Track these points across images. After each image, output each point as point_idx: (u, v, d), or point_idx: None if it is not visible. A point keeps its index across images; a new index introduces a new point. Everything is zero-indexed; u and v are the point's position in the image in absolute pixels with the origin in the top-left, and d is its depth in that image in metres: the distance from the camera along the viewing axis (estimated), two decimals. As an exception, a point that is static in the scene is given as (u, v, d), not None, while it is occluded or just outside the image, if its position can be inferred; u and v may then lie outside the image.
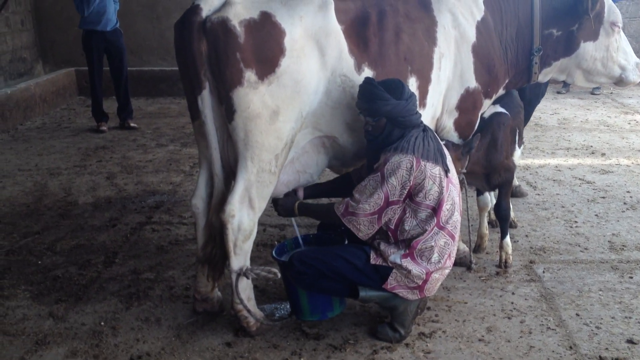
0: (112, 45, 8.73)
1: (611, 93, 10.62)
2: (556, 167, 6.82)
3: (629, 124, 8.69)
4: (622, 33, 4.49)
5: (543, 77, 4.50)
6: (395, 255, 3.50)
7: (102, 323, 3.92)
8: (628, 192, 5.98)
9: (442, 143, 3.68)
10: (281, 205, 3.86)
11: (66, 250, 4.99)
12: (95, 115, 8.94)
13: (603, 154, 7.23)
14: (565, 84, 10.52)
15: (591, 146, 7.57)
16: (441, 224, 3.51)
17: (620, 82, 4.55)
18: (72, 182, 6.67)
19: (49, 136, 8.63)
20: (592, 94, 10.53)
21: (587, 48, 4.36)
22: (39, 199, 6.17)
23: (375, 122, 3.52)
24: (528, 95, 5.48)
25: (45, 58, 11.32)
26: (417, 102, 3.59)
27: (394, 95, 3.46)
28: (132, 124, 8.99)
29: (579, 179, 6.39)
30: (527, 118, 5.63)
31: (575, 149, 7.50)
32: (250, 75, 3.36)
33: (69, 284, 4.43)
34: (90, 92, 9.04)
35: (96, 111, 8.91)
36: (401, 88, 3.50)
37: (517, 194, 5.83)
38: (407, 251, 3.50)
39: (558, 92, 10.70)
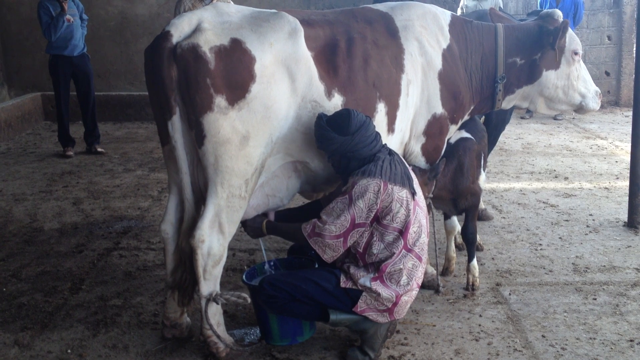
0: (79, 70, 8.70)
1: (573, 118, 10.88)
2: (521, 190, 6.95)
3: (591, 148, 8.91)
4: (582, 62, 4.64)
5: (507, 104, 4.61)
6: (365, 279, 3.53)
7: (69, 351, 3.86)
8: (591, 215, 6.12)
9: (409, 167, 3.75)
10: (249, 225, 3.88)
11: (32, 277, 4.91)
12: (61, 140, 8.86)
13: (566, 178, 7.39)
14: (529, 110, 10.76)
15: (554, 170, 7.74)
16: (409, 247, 3.56)
17: (580, 109, 4.68)
18: (37, 207, 6.58)
19: (14, 161, 8.52)
20: (555, 119, 10.78)
21: (549, 76, 4.49)
22: (3, 225, 6.07)
23: (330, 157, 3.63)
24: (494, 121, 5.60)
25: (11, 82, 11.20)
26: (372, 131, 3.60)
27: (341, 131, 3.51)
28: (99, 149, 8.92)
29: (543, 202, 6.52)
30: (493, 143, 5.74)
31: (539, 173, 7.65)
32: (220, 100, 3.39)
33: (34, 311, 4.36)
34: (56, 117, 8.97)
35: (62, 136, 8.83)
36: (347, 123, 3.53)
37: (483, 217, 5.92)
38: (377, 274, 3.53)
39: (522, 118, 10.93)
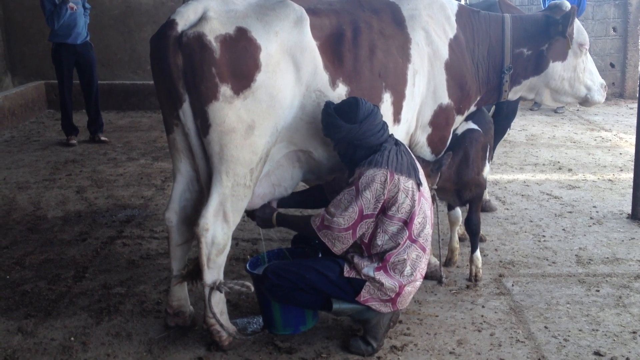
0: (82, 59, 8.69)
1: (577, 110, 10.85)
2: (524, 182, 6.94)
3: (595, 140, 8.89)
4: (588, 54, 4.61)
5: (513, 95, 4.59)
6: (368, 268, 3.53)
7: (72, 338, 3.87)
8: (594, 207, 6.11)
9: (414, 157, 3.74)
10: (259, 216, 3.87)
11: (35, 265, 4.92)
12: (64, 129, 8.86)
13: (570, 170, 7.38)
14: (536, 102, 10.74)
15: (558, 162, 7.72)
16: (413, 237, 3.56)
17: (585, 102, 4.67)
18: (41, 196, 6.58)
19: (18, 150, 8.53)
20: (555, 112, 10.74)
21: (556, 68, 4.47)
22: (7, 213, 6.08)
23: (337, 145, 3.61)
24: (505, 111, 5.55)
25: (15, 71, 11.19)
26: (379, 120, 3.58)
27: (348, 119, 3.49)
28: (102, 138, 8.93)
29: (547, 194, 6.51)
30: (502, 133, 5.72)
31: (543, 164, 7.64)
32: (225, 89, 3.38)
33: (38, 298, 4.37)
34: (59, 105, 8.97)
35: (66, 124, 8.84)
36: (355, 111, 3.50)
37: (487, 208, 5.92)
38: (380, 264, 3.53)
39: (530, 109, 10.90)
